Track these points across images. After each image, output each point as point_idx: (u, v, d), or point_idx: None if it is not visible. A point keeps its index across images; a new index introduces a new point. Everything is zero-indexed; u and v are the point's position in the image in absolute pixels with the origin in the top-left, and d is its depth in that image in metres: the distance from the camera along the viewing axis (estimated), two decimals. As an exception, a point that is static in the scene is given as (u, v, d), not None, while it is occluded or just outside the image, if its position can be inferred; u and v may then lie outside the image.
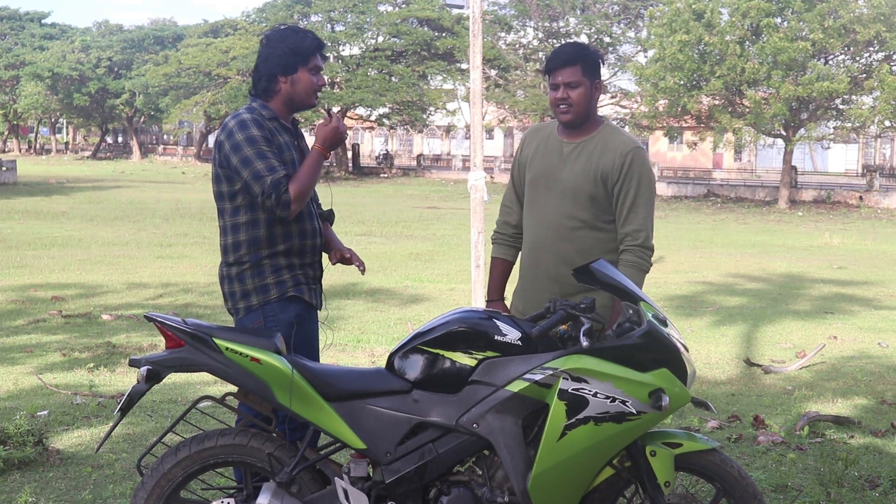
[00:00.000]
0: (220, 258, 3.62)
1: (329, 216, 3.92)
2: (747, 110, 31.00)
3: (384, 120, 46.09)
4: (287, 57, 3.52)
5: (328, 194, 4.75)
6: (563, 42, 41.42)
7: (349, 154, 48.21)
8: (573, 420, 3.09)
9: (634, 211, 3.61)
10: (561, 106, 3.67)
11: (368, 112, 44.45)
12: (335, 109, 39.79)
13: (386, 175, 46.26)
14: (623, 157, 3.61)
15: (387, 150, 58.78)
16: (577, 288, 3.58)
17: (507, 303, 3.99)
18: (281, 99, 3.56)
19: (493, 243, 4.03)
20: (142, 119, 64.74)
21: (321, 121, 3.58)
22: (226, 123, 3.50)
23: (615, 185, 3.62)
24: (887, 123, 33.24)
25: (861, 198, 31.68)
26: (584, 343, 3.07)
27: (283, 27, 3.63)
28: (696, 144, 36.39)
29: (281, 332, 3.43)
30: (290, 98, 3.57)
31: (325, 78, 3.97)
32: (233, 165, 3.43)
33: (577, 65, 3.64)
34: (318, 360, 3.63)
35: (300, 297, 3.55)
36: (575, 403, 3.09)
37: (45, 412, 5.76)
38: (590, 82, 3.66)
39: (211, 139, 68.77)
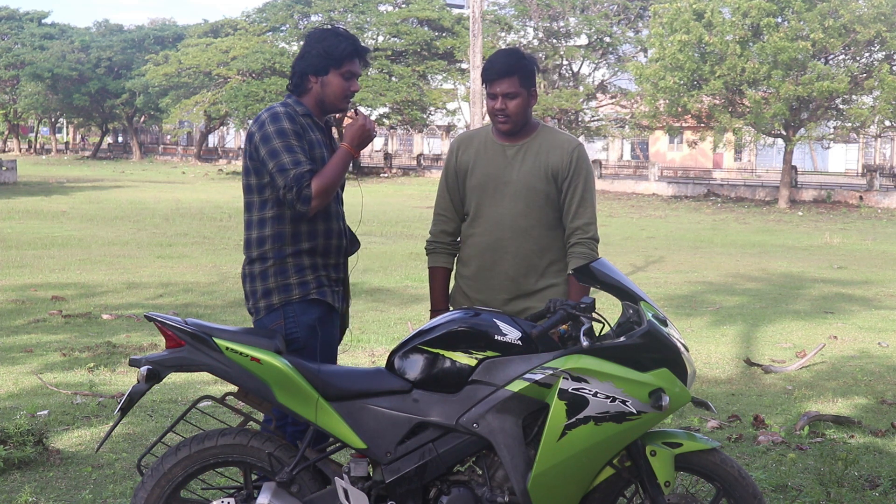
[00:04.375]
0: (244, 255, 3.56)
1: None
2: (747, 110, 30.98)
3: (384, 120, 46.10)
4: (319, 58, 3.50)
5: (358, 194, 4.71)
6: (562, 42, 40.83)
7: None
8: (573, 420, 3.10)
9: (583, 205, 3.75)
10: (499, 116, 3.72)
11: (368, 112, 44.45)
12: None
13: (386, 175, 46.25)
14: (570, 154, 3.74)
15: (386, 150, 58.74)
16: (533, 286, 3.73)
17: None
18: (312, 98, 3.55)
19: (429, 253, 3.97)
20: (142, 119, 64.75)
21: (348, 119, 3.55)
22: (259, 115, 3.48)
23: (564, 181, 3.75)
24: (887, 123, 33.23)
25: (861, 198, 31.65)
26: (585, 343, 3.08)
27: (326, 27, 3.61)
28: (696, 144, 36.38)
29: (301, 335, 3.41)
30: (321, 99, 3.55)
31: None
32: (260, 157, 3.39)
33: (514, 76, 3.68)
34: (336, 363, 3.60)
35: (322, 300, 3.51)
36: (575, 403, 3.10)
37: (45, 412, 5.76)
38: (527, 91, 3.72)
39: (211, 139, 68.93)
